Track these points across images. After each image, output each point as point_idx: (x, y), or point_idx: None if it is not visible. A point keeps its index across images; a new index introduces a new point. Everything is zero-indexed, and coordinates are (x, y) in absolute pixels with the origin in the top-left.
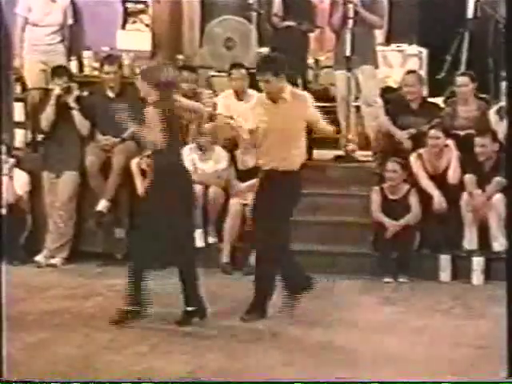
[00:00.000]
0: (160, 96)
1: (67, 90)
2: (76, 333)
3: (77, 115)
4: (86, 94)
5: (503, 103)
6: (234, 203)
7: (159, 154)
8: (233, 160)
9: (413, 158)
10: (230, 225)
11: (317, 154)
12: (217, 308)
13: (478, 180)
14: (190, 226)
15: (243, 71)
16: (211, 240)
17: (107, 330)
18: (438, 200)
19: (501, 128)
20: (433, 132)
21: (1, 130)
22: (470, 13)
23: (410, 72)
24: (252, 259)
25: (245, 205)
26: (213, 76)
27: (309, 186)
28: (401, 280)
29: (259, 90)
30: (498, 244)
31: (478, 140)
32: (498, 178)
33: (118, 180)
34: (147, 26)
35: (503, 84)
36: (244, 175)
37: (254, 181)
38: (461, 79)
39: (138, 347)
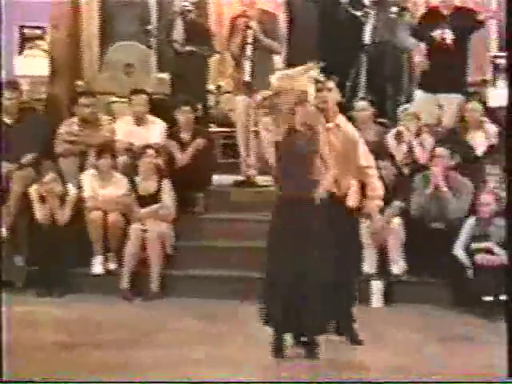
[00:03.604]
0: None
1: None
2: None
3: None
4: None
5: (401, 128)
6: (134, 229)
7: None
8: (133, 185)
9: None
10: (130, 251)
11: (217, 179)
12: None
13: None
14: None
15: (144, 97)
16: (111, 266)
17: None
18: None
19: (399, 152)
20: None
21: None
22: (367, 38)
23: None
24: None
25: (144, 230)
26: (113, 102)
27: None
28: None
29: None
30: (397, 267)
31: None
32: (397, 202)
33: (17, 206)
34: (45, 51)
35: (400, 108)
36: (144, 201)
37: (155, 206)
38: (360, 104)
39: None
